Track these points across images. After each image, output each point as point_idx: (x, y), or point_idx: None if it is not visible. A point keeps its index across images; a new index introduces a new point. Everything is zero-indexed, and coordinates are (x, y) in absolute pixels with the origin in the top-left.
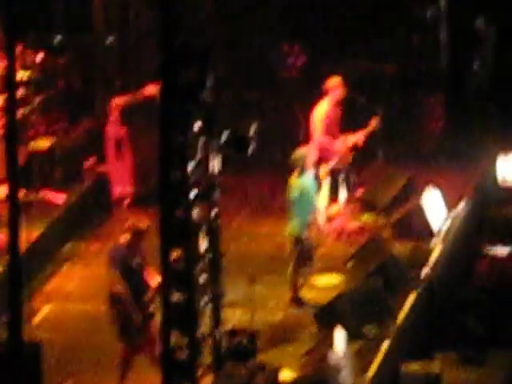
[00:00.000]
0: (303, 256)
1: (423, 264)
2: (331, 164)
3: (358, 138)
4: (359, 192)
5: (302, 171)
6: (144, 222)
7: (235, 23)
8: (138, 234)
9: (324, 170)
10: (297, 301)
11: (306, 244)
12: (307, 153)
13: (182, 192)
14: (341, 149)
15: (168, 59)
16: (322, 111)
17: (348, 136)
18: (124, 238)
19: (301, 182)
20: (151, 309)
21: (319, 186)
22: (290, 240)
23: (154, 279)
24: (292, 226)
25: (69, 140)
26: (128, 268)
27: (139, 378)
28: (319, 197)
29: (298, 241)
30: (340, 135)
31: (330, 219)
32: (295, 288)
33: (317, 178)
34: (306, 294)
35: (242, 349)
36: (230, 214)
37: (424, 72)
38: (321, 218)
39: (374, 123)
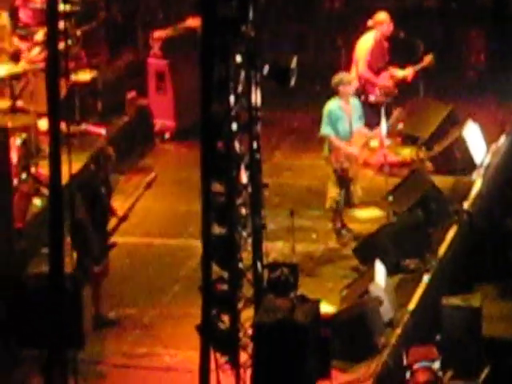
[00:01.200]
0: (340, 179)
1: (464, 198)
2: (372, 98)
3: (407, 73)
4: (400, 125)
5: (337, 94)
6: (110, 149)
7: None
8: (105, 160)
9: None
10: (339, 230)
11: (339, 167)
12: (349, 77)
13: (224, 125)
14: (385, 83)
15: None
16: (366, 45)
17: (398, 70)
18: (91, 164)
19: (332, 104)
20: (111, 240)
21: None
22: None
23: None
24: (324, 148)
25: (110, 73)
26: (92, 194)
27: (179, 311)
28: (357, 120)
29: (329, 163)
30: (386, 70)
31: (371, 152)
32: (336, 215)
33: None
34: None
35: (282, 282)
36: (271, 147)
37: (466, 5)
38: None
39: (427, 60)
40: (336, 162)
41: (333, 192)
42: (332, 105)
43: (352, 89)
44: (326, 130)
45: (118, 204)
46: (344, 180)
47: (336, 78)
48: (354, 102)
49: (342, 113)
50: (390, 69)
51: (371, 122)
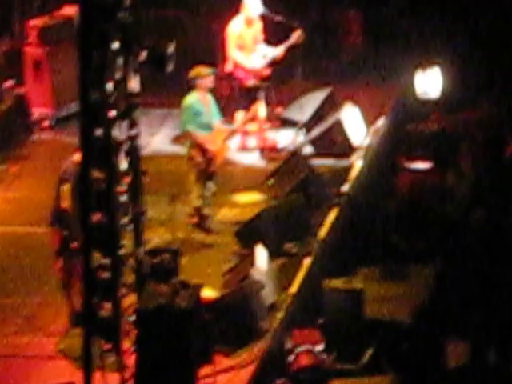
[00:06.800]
0: (203, 175)
1: (344, 180)
2: (251, 82)
3: (277, 51)
4: (279, 109)
5: (192, 89)
6: None
7: None
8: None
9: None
10: (200, 224)
11: (202, 162)
12: (206, 71)
13: (102, 112)
14: (255, 66)
15: None
16: (235, 28)
17: (268, 49)
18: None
19: (191, 98)
20: None
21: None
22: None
23: None
24: (187, 146)
25: None
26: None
27: (61, 299)
28: (216, 114)
29: (191, 160)
30: (257, 51)
31: (249, 136)
32: (198, 211)
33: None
34: (228, 212)
35: (163, 268)
36: (150, 134)
37: None
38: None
39: (295, 37)
40: (197, 158)
41: (196, 190)
42: (191, 99)
43: (210, 82)
44: (189, 126)
45: None
46: (204, 175)
47: (193, 72)
48: (210, 97)
49: (201, 107)
50: (260, 49)
51: (248, 107)
